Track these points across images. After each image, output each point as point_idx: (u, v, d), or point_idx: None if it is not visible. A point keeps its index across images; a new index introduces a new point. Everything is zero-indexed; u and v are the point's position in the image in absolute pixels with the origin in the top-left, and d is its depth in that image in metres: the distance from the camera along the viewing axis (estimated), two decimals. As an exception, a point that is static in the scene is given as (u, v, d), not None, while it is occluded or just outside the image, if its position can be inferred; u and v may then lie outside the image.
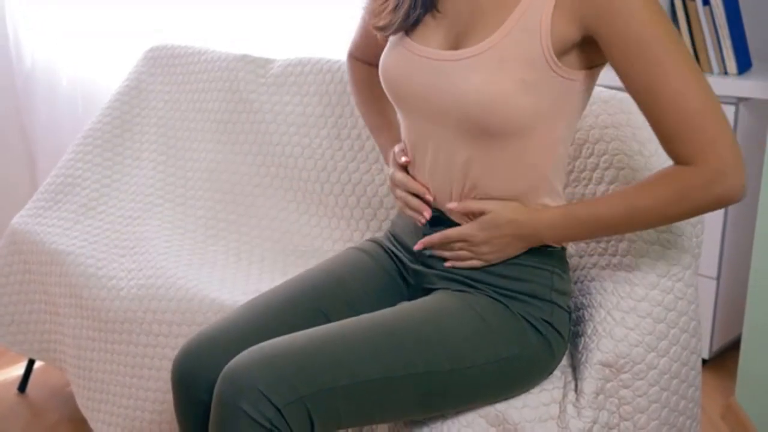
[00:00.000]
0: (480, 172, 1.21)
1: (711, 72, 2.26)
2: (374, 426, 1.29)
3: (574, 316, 1.39)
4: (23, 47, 2.78)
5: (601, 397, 1.27)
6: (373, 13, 1.34)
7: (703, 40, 2.24)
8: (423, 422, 1.22)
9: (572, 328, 1.38)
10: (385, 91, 1.29)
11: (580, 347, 1.33)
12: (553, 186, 1.24)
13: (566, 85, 1.16)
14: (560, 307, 1.27)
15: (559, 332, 1.26)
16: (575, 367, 1.32)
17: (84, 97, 2.88)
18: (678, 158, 1.14)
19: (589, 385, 1.27)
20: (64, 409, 2.21)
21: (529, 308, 1.24)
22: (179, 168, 2.18)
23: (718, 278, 2.29)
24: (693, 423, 1.39)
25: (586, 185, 1.44)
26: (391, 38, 1.28)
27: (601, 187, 1.41)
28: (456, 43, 1.21)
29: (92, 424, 1.89)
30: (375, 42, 1.41)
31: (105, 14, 2.80)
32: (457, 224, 1.26)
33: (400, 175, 1.30)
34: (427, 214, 1.27)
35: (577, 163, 1.46)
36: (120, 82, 2.43)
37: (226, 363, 1.20)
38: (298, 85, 2.02)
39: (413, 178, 1.30)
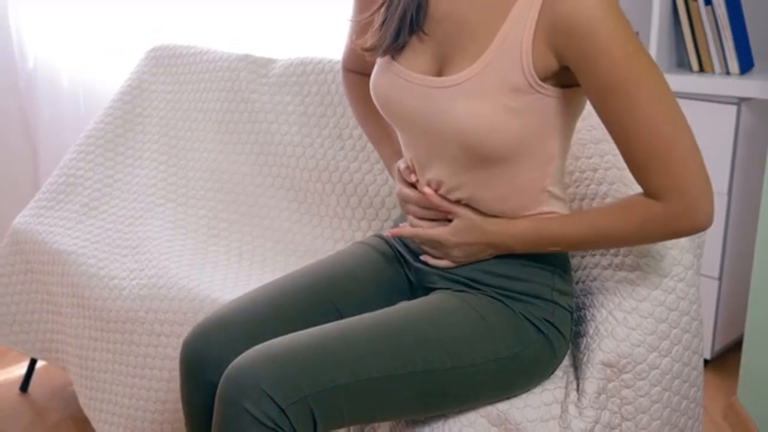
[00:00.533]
0: (478, 189, 1.22)
1: (713, 72, 2.26)
2: (375, 425, 1.29)
3: (575, 315, 1.39)
4: (26, 47, 2.78)
5: (603, 397, 1.27)
6: (358, 27, 1.35)
7: (705, 40, 2.24)
8: (424, 422, 1.22)
9: (574, 327, 1.38)
10: (379, 110, 1.30)
11: (582, 347, 1.33)
12: (553, 194, 1.24)
13: (554, 103, 1.15)
14: (562, 307, 1.27)
15: (560, 332, 1.27)
16: (577, 367, 1.32)
17: (86, 96, 2.88)
18: (647, 191, 1.14)
19: (591, 385, 1.27)
20: (66, 409, 2.21)
21: (531, 308, 1.24)
22: (181, 168, 2.18)
23: (720, 278, 2.28)
24: (695, 423, 1.39)
25: (588, 185, 1.44)
26: (379, 60, 1.28)
27: (603, 188, 1.41)
28: (441, 68, 1.20)
29: (94, 424, 1.89)
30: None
31: (107, 14, 2.80)
32: None
33: (409, 191, 1.30)
34: None
35: (579, 163, 1.46)
36: (122, 82, 2.43)
37: (238, 346, 1.21)
38: (300, 85, 2.02)
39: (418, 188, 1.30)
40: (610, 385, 1.28)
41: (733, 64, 2.22)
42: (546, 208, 1.24)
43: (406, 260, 1.37)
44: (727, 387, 2.27)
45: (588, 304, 1.38)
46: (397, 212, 1.78)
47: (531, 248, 1.23)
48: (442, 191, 1.25)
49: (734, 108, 2.17)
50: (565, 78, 1.14)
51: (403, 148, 1.32)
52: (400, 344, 1.14)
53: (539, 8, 1.11)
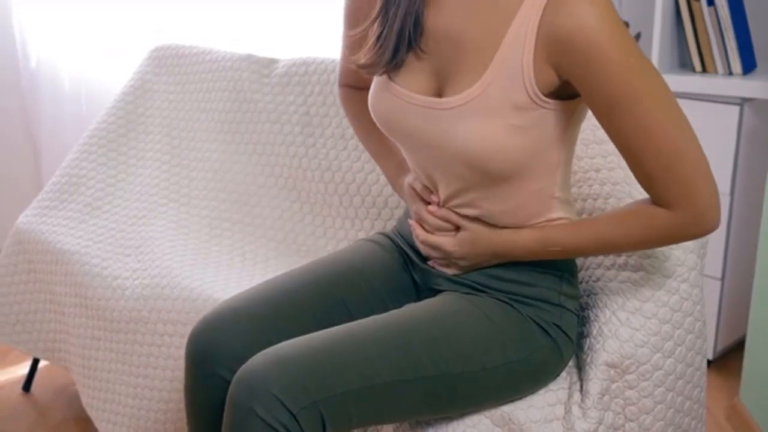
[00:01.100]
0: (487, 204, 1.21)
1: (716, 72, 2.26)
2: (379, 426, 1.29)
3: (579, 316, 1.39)
4: (29, 46, 2.79)
5: (606, 397, 1.27)
6: (350, 42, 1.33)
7: (708, 40, 2.24)
8: (428, 422, 1.23)
9: (578, 329, 1.38)
10: (382, 130, 1.29)
11: (586, 348, 1.33)
12: (561, 199, 1.24)
13: (557, 115, 1.15)
14: (569, 310, 1.27)
15: (567, 335, 1.27)
16: (581, 368, 1.32)
17: (88, 96, 2.88)
18: (655, 199, 1.14)
19: (594, 385, 1.27)
20: (69, 409, 2.21)
21: (539, 312, 1.25)
22: (184, 168, 2.18)
23: (722, 279, 2.28)
24: (698, 424, 1.39)
25: (591, 185, 1.44)
26: (376, 78, 1.26)
27: (606, 188, 1.41)
28: (440, 88, 1.19)
29: (97, 424, 1.89)
30: None
31: (110, 14, 2.80)
32: None
33: (434, 221, 1.27)
34: None
35: (582, 163, 1.46)
36: (124, 82, 2.43)
37: (246, 340, 1.21)
38: (303, 85, 2.02)
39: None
40: (614, 386, 1.28)
41: (736, 65, 2.22)
42: (554, 215, 1.23)
43: (411, 260, 1.37)
44: (730, 388, 2.27)
45: (591, 304, 1.38)
46: (399, 212, 1.78)
47: (536, 257, 1.23)
48: (451, 206, 1.25)
49: (737, 108, 2.17)
50: (567, 90, 1.13)
51: (410, 165, 1.31)
52: (410, 348, 1.14)
53: (537, 24, 1.09)
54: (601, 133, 1.45)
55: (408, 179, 1.34)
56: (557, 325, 1.25)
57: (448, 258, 1.27)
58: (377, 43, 1.21)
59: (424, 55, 1.20)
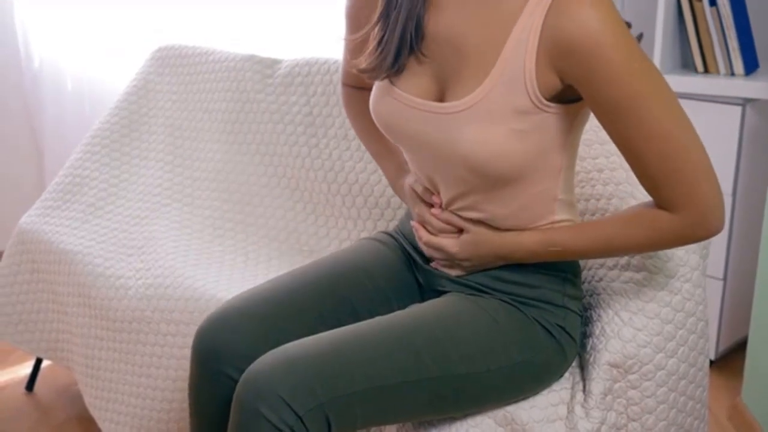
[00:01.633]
0: (490, 207, 1.22)
1: (718, 73, 2.26)
2: (383, 426, 1.30)
3: (582, 317, 1.39)
4: (31, 47, 2.79)
5: (609, 397, 1.27)
6: (352, 46, 1.32)
7: (710, 40, 2.24)
8: (432, 422, 1.23)
9: (580, 328, 1.39)
10: (384, 134, 1.29)
11: (588, 348, 1.33)
12: (564, 201, 1.24)
13: (560, 119, 1.14)
14: (573, 311, 1.27)
15: (570, 336, 1.27)
16: (583, 368, 1.32)
17: (91, 96, 2.89)
18: (659, 202, 1.14)
19: (597, 385, 1.27)
20: (72, 409, 2.21)
21: (543, 313, 1.25)
22: (186, 168, 2.18)
23: (724, 279, 2.29)
24: (700, 424, 1.39)
25: (594, 185, 1.44)
26: (378, 82, 1.25)
27: (609, 188, 1.41)
28: (442, 92, 1.19)
29: (100, 423, 1.89)
30: None
31: (113, 14, 2.81)
32: None
33: (437, 223, 1.28)
34: None
35: (585, 164, 1.46)
36: (127, 82, 2.44)
37: (253, 337, 1.21)
38: (305, 86, 2.02)
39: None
40: (617, 386, 1.28)
41: (738, 65, 2.22)
42: (558, 217, 1.23)
43: (415, 261, 1.37)
44: (732, 388, 2.27)
45: (594, 304, 1.38)
46: (401, 213, 1.78)
47: (539, 259, 1.23)
48: (453, 209, 1.25)
49: (739, 109, 2.17)
50: (570, 94, 1.13)
51: (412, 167, 1.31)
52: (415, 350, 1.14)
53: (540, 29, 1.09)
54: (604, 134, 1.45)
55: (408, 180, 1.34)
56: (561, 327, 1.25)
57: (451, 259, 1.28)
58: (378, 47, 1.20)
59: (425, 59, 1.20)
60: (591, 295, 1.40)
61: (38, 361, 2.30)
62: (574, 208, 1.27)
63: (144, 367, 1.79)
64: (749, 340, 2.05)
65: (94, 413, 1.91)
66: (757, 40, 2.38)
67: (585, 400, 1.27)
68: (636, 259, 1.34)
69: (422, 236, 1.29)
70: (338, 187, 1.90)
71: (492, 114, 1.12)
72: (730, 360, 2.40)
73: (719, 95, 2.20)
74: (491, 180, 1.16)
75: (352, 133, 1.91)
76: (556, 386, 1.29)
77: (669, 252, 1.32)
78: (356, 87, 1.50)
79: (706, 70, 2.28)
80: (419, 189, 1.30)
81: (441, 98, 1.19)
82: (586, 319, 1.38)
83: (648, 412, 1.29)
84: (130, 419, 1.81)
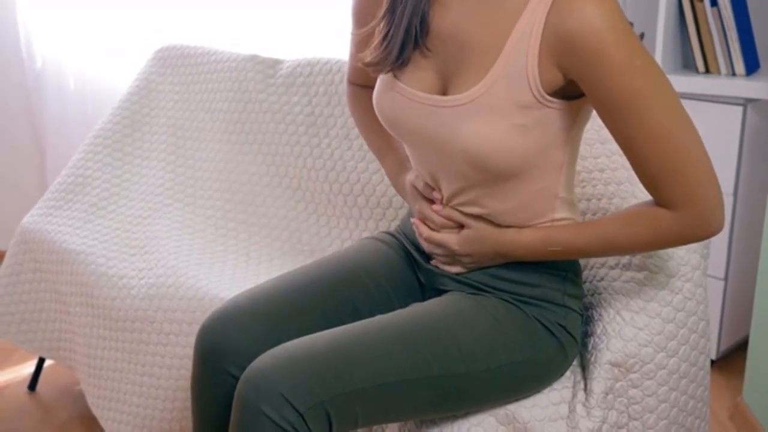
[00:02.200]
0: (491, 203, 1.22)
1: (719, 73, 2.26)
2: (384, 425, 1.30)
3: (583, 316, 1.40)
4: (34, 47, 2.80)
5: (610, 396, 1.28)
6: (357, 40, 1.33)
7: (711, 41, 2.24)
8: (433, 421, 1.23)
9: (582, 328, 1.39)
10: (386, 128, 1.29)
11: (590, 347, 1.34)
12: (565, 199, 1.24)
13: (561, 115, 1.15)
14: (573, 310, 1.28)
15: (572, 335, 1.27)
16: (585, 367, 1.32)
17: (93, 96, 2.89)
18: (659, 201, 1.14)
19: (598, 384, 1.27)
20: (74, 408, 2.22)
21: (544, 312, 1.25)
22: (188, 168, 2.19)
23: (725, 279, 2.29)
24: (702, 423, 1.39)
25: (595, 185, 1.45)
26: (381, 77, 1.26)
27: (611, 188, 1.42)
28: (445, 86, 1.20)
29: (102, 423, 1.90)
30: None
31: (115, 14, 2.81)
32: None
33: (438, 219, 1.28)
34: None
35: (586, 163, 1.47)
36: (129, 82, 2.44)
37: (256, 336, 1.21)
38: (307, 86, 2.02)
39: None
40: (618, 385, 1.28)
41: (739, 65, 2.22)
42: (558, 215, 1.24)
43: (416, 260, 1.37)
44: (733, 387, 2.27)
45: (595, 303, 1.38)
46: (403, 212, 1.79)
47: (540, 257, 1.24)
48: (454, 204, 1.25)
49: (740, 109, 2.17)
50: (572, 90, 1.13)
51: (414, 163, 1.32)
52: (416, 348, 1.15)
53: (543, 25, 1.10)
54: (605, 133, 1.46)
55: (409, 177, 1.35)
56: (562, 325, 1.26)
57: (451, 256, 1.28)
58: (384, 41, 1.22)
59: (429, 54, 1.21)
60: (592, 295, 1.40)
61: (41, 361, 2.31)
62: (575, 207, 1.27)
63: (147, 367, 1.79)
64: (750, 340, 2.05)
65: (97, 413, 1.92)
66: (758, 40, 2.38)
67: (586, 399, 1.27)
68: (637, 259, 1.35)
69: (423, 232, 1.30)
70: (340, 187, 1.90)
71: (494, 108, 1.13)
72: (731, 359, 2.41)
73: (720, 95, 2.20)
74: (492, 175, 1.17)
75: (353, 132, 1.91)
76: (557, 385, 1.29)
77: (670, 251, 1.32)
78: (361, 86, 1.50)
79: (707, 70, 2.29)
80: (420, 185, 1.31)
81: (444, 93, 1.20)
82: (587, 318, 1.38)
83: (649, 411, 1.29)
84: (132, 418, 1.81)
